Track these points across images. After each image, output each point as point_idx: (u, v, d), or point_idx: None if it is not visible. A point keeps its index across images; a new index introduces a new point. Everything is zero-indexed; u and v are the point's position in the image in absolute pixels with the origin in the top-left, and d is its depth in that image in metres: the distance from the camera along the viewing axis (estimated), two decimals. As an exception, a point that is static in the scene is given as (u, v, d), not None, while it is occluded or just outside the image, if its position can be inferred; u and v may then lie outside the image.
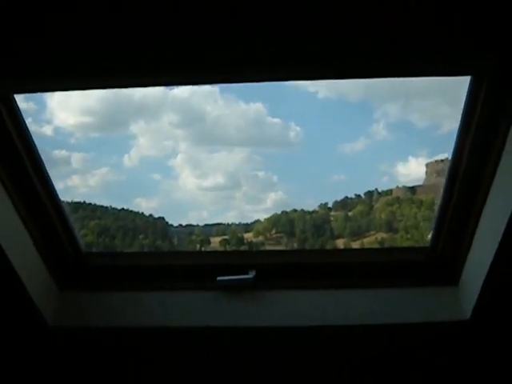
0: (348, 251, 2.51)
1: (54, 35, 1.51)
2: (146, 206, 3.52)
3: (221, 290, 2.06)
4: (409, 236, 10.19)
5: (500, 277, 1.80)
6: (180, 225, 4.07)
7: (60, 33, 1.50)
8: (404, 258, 2.08)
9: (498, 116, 1.64)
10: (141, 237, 3.56)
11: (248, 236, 7.36)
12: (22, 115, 1.82)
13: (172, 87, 2.40)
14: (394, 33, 1.49)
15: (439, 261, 2.06)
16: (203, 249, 4.16)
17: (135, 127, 3.14)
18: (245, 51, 1.56)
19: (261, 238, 7.69)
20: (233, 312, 2.04)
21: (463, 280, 1.96)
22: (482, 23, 1.45)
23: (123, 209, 3.60)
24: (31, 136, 1.89)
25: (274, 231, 7.53)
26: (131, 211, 3.80)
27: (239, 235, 7.49)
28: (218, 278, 2.04)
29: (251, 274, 2.05)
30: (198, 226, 4.32)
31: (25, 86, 1.74)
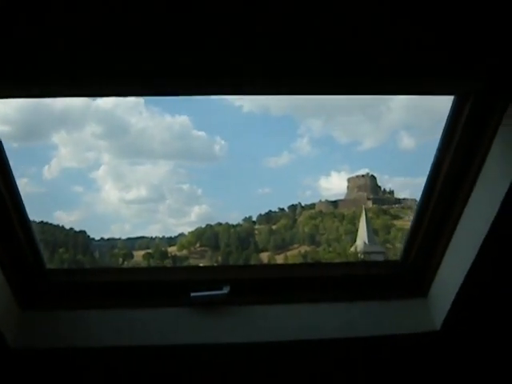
0: (318, 265, 2.44)
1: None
2: (66, 219, 3.37)
3: (194, 307, 1.92)
4: (331, 249, 10.44)
5: (472, 290, 1.91)
6: (102, 238, 3.95)
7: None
8: (375, 271, 2.04)
9: (479, 136, 1.75)
10: (61, 251, 3.44)
11: (172, 250, 7.15)
12: None
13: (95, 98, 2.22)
14: (381, 52, 1.45)
15: (409, 274, 2.15)
16: (126, 263, 4.07)
17: (56, 137, 2.93)
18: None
19: (185, 251, 7.52)
20: (207, 328, 1.91)
21: (432, 292, 1.95)
22: (468, 43, 1.54)
23: (42, 222, 3.50)
24: None
25: (198, 245, 7.40)
26: (51, 224, 3.69)
27: (163, 249, 7.27)
28: (192, 294, 1.90)
29: (226, 289, 1.93)
30: (120, 239, 4.22)
31: None
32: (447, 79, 1.60)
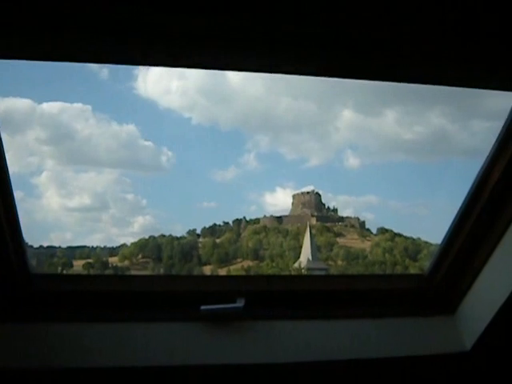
0: (342, 277, 2.31)
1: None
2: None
3: (205, 321, 1.73)
4: (274, 264, 10.44)
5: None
6: (41, 246, 3.74)
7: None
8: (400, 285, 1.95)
9: None
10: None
11: (113, 260, 6.89)
12: None
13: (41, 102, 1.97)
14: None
15: (436, 289, 1.92)
16: (65, 272, 3.86)
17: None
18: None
19: (126, 262, 7.28)
20: (219, 347, 1.72)
21: (461, 310, 1.90)
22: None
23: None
24: None
25: (140, 256, 7.19)
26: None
27: (104, 259, 7.00)
28: (203, 307, 1.72)
29: (240, 303, 1.76)
30: (60, 247, 4.01)
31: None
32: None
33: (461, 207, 1.80)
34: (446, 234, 1.88)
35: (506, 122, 1.64)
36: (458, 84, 1.63)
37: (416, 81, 1.66)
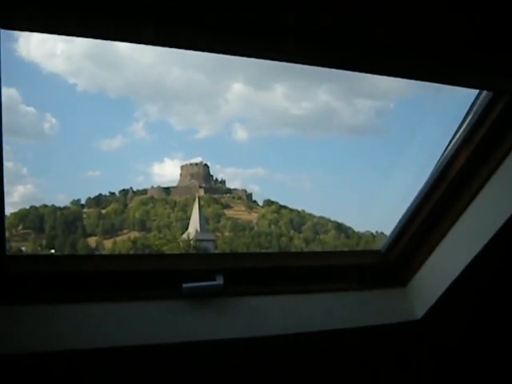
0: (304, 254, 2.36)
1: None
2: None
3: (186, 299, 1.71)
4: (161, 235, 10.37)
5: (463, 287, 1.91)
6: None
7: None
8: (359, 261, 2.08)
9: (504, 136, 1.75)
10: None
11: (-9, 232, 6.17)
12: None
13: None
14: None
15: (391, 265, 2.09)
16: None
17: None
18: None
19: (6, 234, 6.78)
20: (202, 323, 1.72)
21: (413, 283, 2.08)
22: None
23: None
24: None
25: (20, 227, 6.96)
26: None
27: (-20, 231, 6.24)
28: (184, 285, 1.69)
29: (219, 280, 1.76)
30: None
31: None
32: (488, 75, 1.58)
33: (423, 188, 1.97)
34: (404, 214, 2.05)
35: (470, 109, 1.81)
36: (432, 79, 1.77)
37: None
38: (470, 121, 1.79)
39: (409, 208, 2.02)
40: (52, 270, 1.64)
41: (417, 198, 1.99)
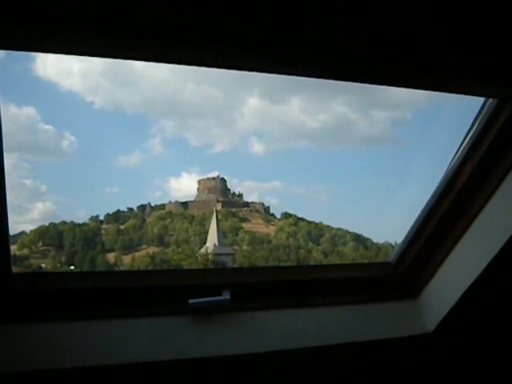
0: (318, 267, 2.35)
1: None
2: None
3: (192, 315, 1.70)
4: (180, 250, 10.40)
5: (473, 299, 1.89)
6: None
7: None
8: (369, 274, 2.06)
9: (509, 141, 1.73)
10: None
11: (12, 249, 6.52)
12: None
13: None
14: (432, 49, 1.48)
15: (401, 277, 2.07)
16: None
17: None
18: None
19: (26, 250, 6.98)
20: (209, 339, 1.71)
21: (425, 295, 2.05)
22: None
23: None
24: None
25: (40, 244, 6.98)
26: None
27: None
28: (191, 301, 1.69)
29: (226, 295, 1.76)
30: None
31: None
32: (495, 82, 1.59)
33: (431, 198, 1.95)
34: (413, 225, 2.03)
35: (476, 117, 1.79)
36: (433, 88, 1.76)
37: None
38: (476, 129, 1.77)
39: (417, 219, 1.99)
40: (57, 287, 1.65)
41: (425, 208, 1.97)
